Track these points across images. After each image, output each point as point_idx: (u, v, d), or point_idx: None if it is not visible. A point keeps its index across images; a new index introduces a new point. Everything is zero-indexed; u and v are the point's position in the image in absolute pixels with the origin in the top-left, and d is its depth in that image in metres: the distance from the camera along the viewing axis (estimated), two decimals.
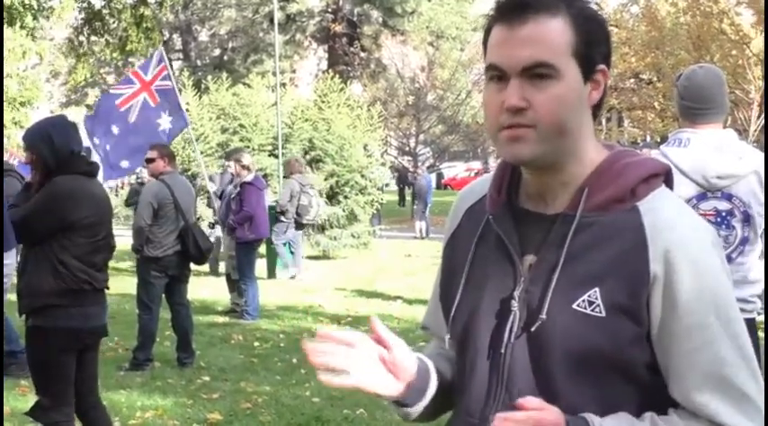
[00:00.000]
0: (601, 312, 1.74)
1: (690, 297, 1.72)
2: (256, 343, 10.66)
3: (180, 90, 19.60)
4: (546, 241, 1.82)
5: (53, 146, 5.29)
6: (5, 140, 20.05)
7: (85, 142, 8.25)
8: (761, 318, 4.60)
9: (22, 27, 24.01)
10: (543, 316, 1.77)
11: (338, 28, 46.08)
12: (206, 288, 13.66)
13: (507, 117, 1.76)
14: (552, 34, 1.75)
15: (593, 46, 1.80)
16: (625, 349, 1.75)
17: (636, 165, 1.84)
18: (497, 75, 1.78)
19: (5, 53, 23.59)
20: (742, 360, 1.76)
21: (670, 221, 1.77)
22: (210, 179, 14.80)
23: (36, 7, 24.65)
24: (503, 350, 1.83)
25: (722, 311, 1.75)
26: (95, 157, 11.92)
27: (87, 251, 5.28)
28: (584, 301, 1.75)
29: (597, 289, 1.74)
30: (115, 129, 12.71)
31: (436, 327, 2.09)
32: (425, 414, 2.00)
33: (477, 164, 45.32)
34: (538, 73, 1.74)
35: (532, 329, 1.78)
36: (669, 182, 1.89)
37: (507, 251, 1.86)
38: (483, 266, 1.90)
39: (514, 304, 1.82)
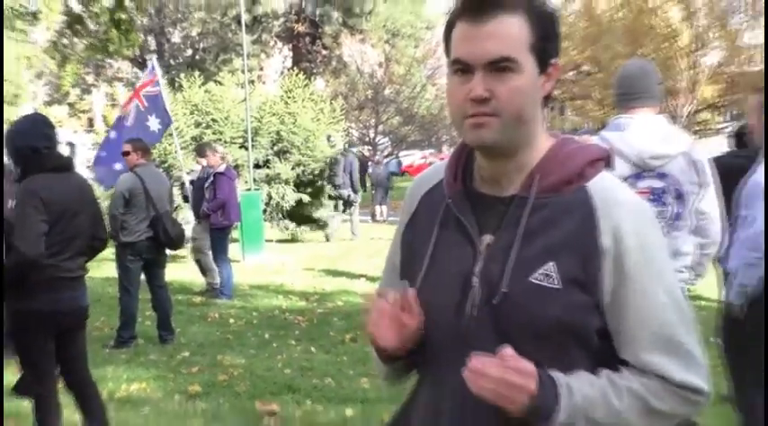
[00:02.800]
0: (557, 284, 1.78)
1: (637, 268, 1.78)
2: (231, 320, 10.68)
3: None
4: (502, 221, 1.86)
5: (17, 148, 5.28)
6: None
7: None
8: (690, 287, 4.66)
9: (12, 31, 23.80)
10: (504, 289, 1.80)
11: (301, 28, 45.83)
12: (185, 270, 13.63)
13: (472, 106, 1.79)
14: (513, 31, 1.79)
15: (547, 41, 1.85)
16: (579, 317, 1.80)
17: (582, 151, 1.90)
18: (462, 68, 1.82)
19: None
20: (684, 323, 1.83)
21: (616, 199, 1.83)
22: (189, 172, 14.78)
23: (23, 12, 24.43)
24: (465, 322, 1.85)
25: (665, 280, 1.83)
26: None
27: (57, 242, 5.21)
28: (540, 274, 1.79)
29: (553, 263, 1.79)
30: (113, 134, 13.67)
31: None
32: (400, 373, 2.09)
33: (430, 152, 45.28)
34: (501, 66, 1.78)
35: (494, 301, 1.81)
36: (609, 165, 1.93)
37: (466, 231, 1.89)
38: (444, 247, 1.93)
39: (475, 280, 1.85)
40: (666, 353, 1.80)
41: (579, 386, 1.78)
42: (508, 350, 1.72)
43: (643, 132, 4.42)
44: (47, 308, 5.22)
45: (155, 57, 20.07)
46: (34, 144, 5.26)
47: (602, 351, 1.84)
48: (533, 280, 1.79)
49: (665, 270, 1.85)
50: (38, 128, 5.37)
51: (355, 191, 21.57)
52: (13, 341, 5.41)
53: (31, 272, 5.07)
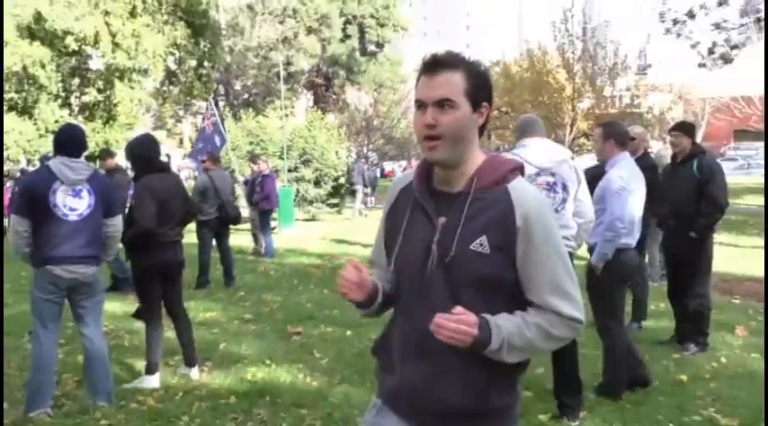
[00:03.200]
0: (487, 251, 1.82)
1: (539, 240, 1.82)
2: (272, 272, 10.64)
3: (223, 120, 19.82)
4: (452, 208, 1.87)
5: (135, 156, 5.36)
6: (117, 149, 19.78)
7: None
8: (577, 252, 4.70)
9: (129, 81, 23.67)
10: (452, 253, 1.83)
11: (319, 80, 45.77)
12: (243, 239, 13.59)
13: (425, 130, 1.84)
14: (453, 81, 1.83)
15: (478, 91, 1.87)
16: (502, 273, 1.84)
17: (504, 163, 1.91)
18: (420, 105, 1.87)
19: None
20: (569, 276, 1.87)
21: (527, 195, 1.86)
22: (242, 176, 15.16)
23: (137, 69, 24.34)
24: (427, 276, 1.87)
25: (557, 247, 1.86)
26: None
27: (162, 221, 5.22)
28: (477, 244, 1.82)
29: (485, 236, 1.82)
30: (199, 145, 15.21)
31: (379, 261, 2.11)
32: (374, 313, 2.08)
33: (404, 163, 45.19)
34: (443, 104, 1.82)
35: (446, 261, 1.84)
36: (522, 173, 1.95)
37: (428, 214, 1.90)
38: (413, 225, 1.93)
39: (433, 247, 1.86)
40: (558, 296, 1.84)
41: (504, 323, 1.81)
42: (459, 308, 1.77)
43: (538, 147, 4.49)
44: (157, 262, 5.26)
45: (211, 98, 20.34)
46: (147, 154, 5.33)
47: (517, 295, 1.87)
48: (472, 248, 1.82)
49: (556, 239, 1.87)
50: (149, 144, 5.47)
51: (366, 186, 21.95)
52: (134, 284, 5.49)
53: (145, 238, 5.15)
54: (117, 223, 4.81)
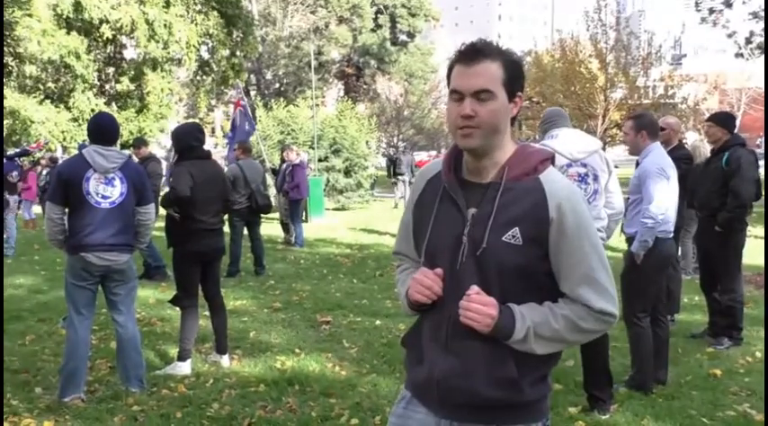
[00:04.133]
0: (520, 242, 1.78)
1: (572, 230, 1.79)
2: (302, 261, 10.68)
3: (254, 109, 19.89)
4: (483, 199, 1.84)
5: (179, 142, 5.37)
6: (150, 140, 20.00)
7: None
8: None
9: (162, 70, 23.87)
10: (485, 245, 1.80)
11: (350, 70, 45.75)
12: (273, 228, 13.65)
13: (462, 121, 1.80)
14: (491, 71, 1.80)
15: (514, 81, 1.84)
16: (534, 264, 1.80)
17: (536, 153, 1.87)
18: (457, 95, 1.82)
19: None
20: (603, 268, 1.83)
21: (559, 186, 1.82)
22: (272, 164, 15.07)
23: (171, 59, 24.56)
24: (458, 267, 1.84)
25: (591, 238, 1.82)
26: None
27: (203, 206, 5.28)
28: (509, 235, 1.79)
29: (517, 228, 1.78)
30: (230, 134, 15.08)
31: (407, 252, 2.09)
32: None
33: (434, 152, 45.06)
34: (482, 96, 1.79)
35: (478, 253, 1.81)
36: (553, 163, 1.92)
37: (458, 206, 1.87)
38: (443, 216, 1.90)
39: (464, 238, 1.83)
40: (589, 288, 1.80)
41: (529, 313, 1.80)
42: (474, 288, 1.78)
43: (569, 138, 4.43)
44: (196, 249, 5.33)
45: (239, 83, 20.49)
46: (189, 142, 5.39)
47: (549, 287, 1.84)
48: (504, 239, 1.79)
49: (590, 231, 1.82)
50: (193, 132, 5.51)
51: (413, 175, 21.91)
52: (174, 270, 5.55)
53: (184, 220, 5.29)
54: (149, 211, 4.85)
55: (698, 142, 8.42)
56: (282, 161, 12.95)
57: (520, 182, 1.82)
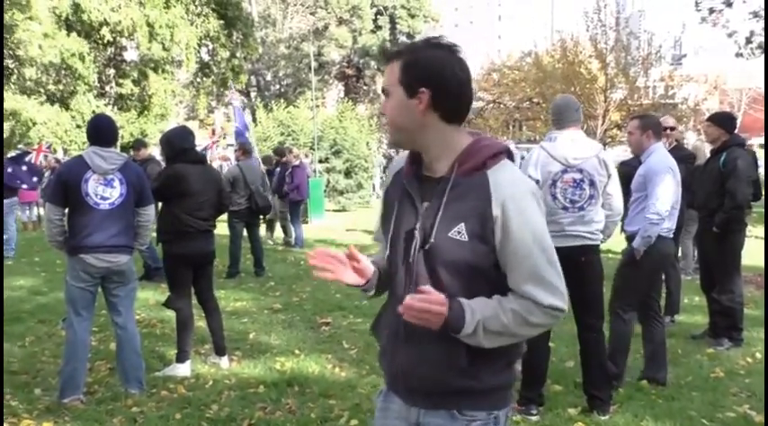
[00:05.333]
0: (465, 238, 1.80)
1: (516, 229, 1.78)
2: (302, 262, 10.64)
3: (254, 110, 19.86)
4: (434, 194, 1.87)
5: (170, 145, 5.36)
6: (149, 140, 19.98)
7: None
8: (603, 245, 4.64)
9: (163, 72, 23.91)
10: (432, 240, 1.83)
11: (350, 71, 45.71)
12: (276, 230, 13.63)
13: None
14: (391, 72, 1.88)
15: (413, 77, 1.83)
16: (479, 259, 1.82)
17: (487, 147, 1.87)
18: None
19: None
20: (550, 264, 1.82)
21: (504, 182, 1.82)
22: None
23: (171, 61, 24.60)
24: (411, 260, 1.89)
25: (536, 236, 1.81)
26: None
27: (193, 208, 5.27)
28: (455, 231, 1.81)
29: (463, 224, 1.81)
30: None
31: (381, 239, 2.11)
32: (376, 293, 2.13)
33: None
34: (386, 93, 1.90)
35: (426, 247, 1.85)
36: (510, 157, 1.90)
37: (413, 200, 1.91)
38: (402, 210, 1.94)
39: (416, 232, 1.87)
40: (536, 284, 1.80)
41: (479, 307, 1.81)
42: (425, 287, 1.79)
43: (566, 143, 4.37)
44: (188, 251, 5.31)
45: (231, 84, 20.38)
46: (181, 145, 5.38)
47: (498, 280, 1.85)
48: (450, 235, 1.81)
49: (536, 229, 1.81)
50: (183, 135, 5.51)
51: None
52: (165, 273, 5.53)
53: (177, 226, 5.25)
54: (149, 212, 4.85)
55: (698, 142, 8.42)
56: (277, 163, 12.91)
57: (468, 178, 1.83)
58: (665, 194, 4.60)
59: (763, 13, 20.56)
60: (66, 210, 4.63)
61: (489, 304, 1.82)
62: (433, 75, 1.84)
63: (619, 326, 4.79)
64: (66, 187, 4.55)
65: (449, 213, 1.82)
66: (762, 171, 7.22)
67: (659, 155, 4.76)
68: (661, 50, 25.11)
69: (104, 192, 4.58)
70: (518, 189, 1.83)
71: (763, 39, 20.87)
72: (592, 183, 4.34)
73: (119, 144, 17.13)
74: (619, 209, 4.54)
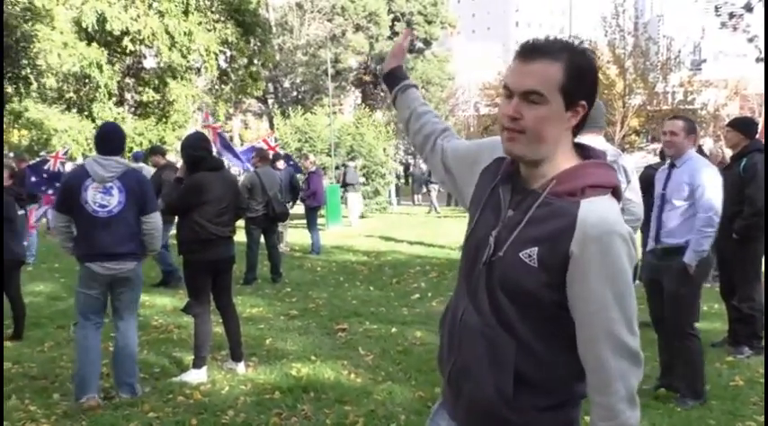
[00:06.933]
0: (534, 263, 1.61)
1: (594, 275, 1.57)
2: (318, 269, 10.68)
3: (272, 117, 19.92)
4: (520, 205, 1.69)
5: (191, 154, 5.40)
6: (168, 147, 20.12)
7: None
8: None
9: (182, 79, 24.10)
10: (500, 254, 1.67)
11: (367, 78, 45.79)
12: (291, 237, 13.66)
13: (507, 121, 1.65)
14: (549, 73, 1.61)
15: (577, 87, 1.63)
16: (543, 292, 1.62)
17: (592, 174, 1.67)
18: (507, 92, 1.67)
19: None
20: (625, 319, 1.59)
21: (595, 219, 1.58)
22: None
23: (191, 68, 24.80)
24: (478, 268, 1.73)
25: (617, 287, 1.58)
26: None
27: (214, 215, 5.31)
28: (526, 253, 1.62)
29: (536, 248, 1.61)
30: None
31: (455, 145, 2.09)
32: (393, 99, 2.24)
33: None
34: (531, 97, 1.62)
35: (492, 259, 1.68)
36: (616, 195, 1.71)
37: (500, 203, 1.73)
38: (487, 208, 1.77)
39: (491, 239, 1.70)
40: (607, 343, 1.59)
41: None
42: None
43: None
44: (210, 258, 5.36)
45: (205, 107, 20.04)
46: (198, 153, 5.42)
47: (560, 317, 1.64)
48: (521, 255, 1.63)
49: (619, 281, 1.58)
50: (200, 142, 5.56)
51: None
52: (185, 279, 5.56)
53: (196, 233, 5.30)
54: (154, 219, 4.84)
55: (713, 148, 8.35)
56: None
57: (560, 200, 1.64)
58: (718, 203, 4.49)
59: None
60: (71, 218, 4.74)
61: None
62: (593, 89, 1.69)
63: (694, 344, 4.66)
64: (68, 195, 4.67)
65: (528, 230, 1.65)
66: None
67: (702, 162, 4.62)
68: (680, 55, 24.93)
69: (102, 200, 4.65)
70: (607, 230, 1.58)
71: None
72: None
73: (136, 150, 17.32)
74: (639, 215, 4.45)
